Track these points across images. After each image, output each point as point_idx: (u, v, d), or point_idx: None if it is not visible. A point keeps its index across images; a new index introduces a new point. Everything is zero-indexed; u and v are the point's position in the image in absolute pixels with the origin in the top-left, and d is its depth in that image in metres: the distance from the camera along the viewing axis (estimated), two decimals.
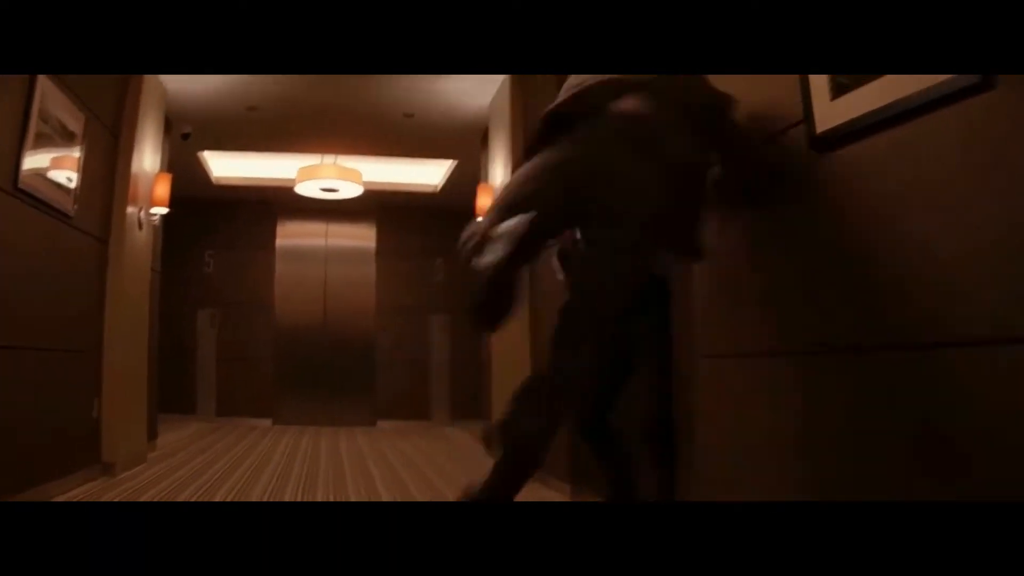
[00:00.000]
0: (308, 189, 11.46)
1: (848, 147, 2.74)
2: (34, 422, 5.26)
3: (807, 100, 2.96)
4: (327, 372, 13.75)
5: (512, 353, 7.41)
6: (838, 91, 2.92)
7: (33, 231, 5.30)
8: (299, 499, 5.81)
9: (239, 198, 13.13)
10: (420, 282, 14.10)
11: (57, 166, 5.59)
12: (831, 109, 2.86)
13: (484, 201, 8.84)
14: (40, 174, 5.31)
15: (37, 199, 5.30)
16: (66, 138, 5.69)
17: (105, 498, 5.57)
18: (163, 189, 8.04)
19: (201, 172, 11.56)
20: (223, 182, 12.24)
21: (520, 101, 7.91)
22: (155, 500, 5.59)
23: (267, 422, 12.97)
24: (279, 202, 13.34)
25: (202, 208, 12.25)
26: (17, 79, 5.02)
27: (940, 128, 2.33)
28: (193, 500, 5.66)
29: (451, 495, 5.72)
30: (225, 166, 11.74)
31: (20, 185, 4.97)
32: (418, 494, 6.06)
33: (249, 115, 9.24)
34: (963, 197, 2.19)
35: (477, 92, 8.65)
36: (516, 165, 7.66)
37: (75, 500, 5.51)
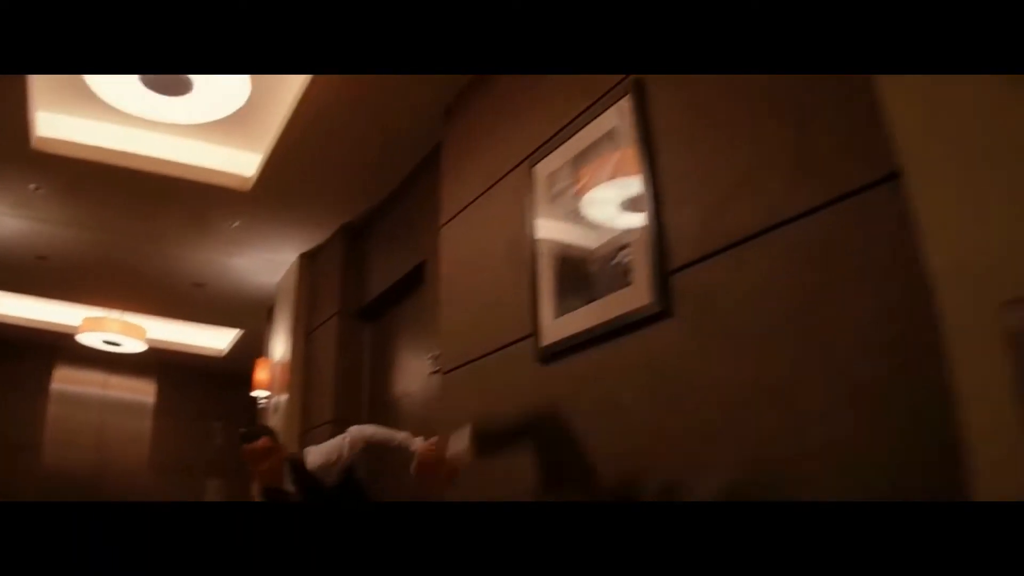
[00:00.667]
0: (91, 340, 11.41)
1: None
2: None
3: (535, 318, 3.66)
4: None
5: None
6: (560, 312, 3.58)
7: None
8: None
9: (16, 337, 12.84)
10: (198, 443, 13.95)
11: None
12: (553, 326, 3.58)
13: (262, 375, 9.09)
14: None
15: None
16: None
17: None
18: None
19: None
20: (3, 320, 11.99)
21: (307, 282, 8.26)
22: None
23: None
24: (59, 348, 13.11)
25: None
26: None
27: (627, 350, 3.20)
28: None
29: None
30: (5, 305, 11.55)
31: None
32: None
33: (38, 263, 9.14)
34: (639, 410, 3.14)
35: (266, 270, 8.90)
36: (296, 342, 8.00)
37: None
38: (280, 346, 8.58)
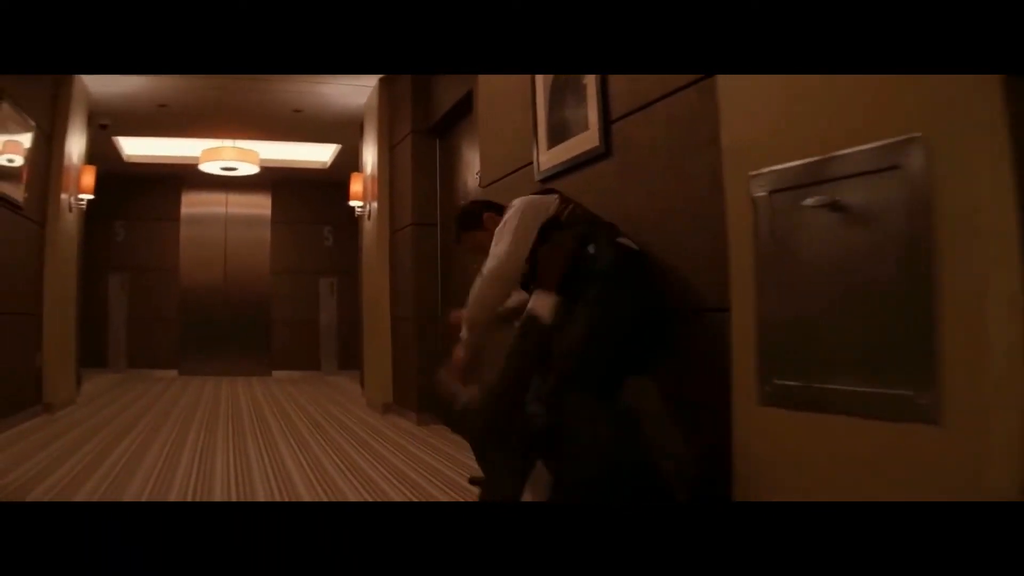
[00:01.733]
0: (210, 168, 12.71)
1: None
2: None
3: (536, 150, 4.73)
4: (227, 328, 15.04)
5: (377, 310, 9.12)
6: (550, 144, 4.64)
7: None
8: (201, 437, 7.00)
9: (147, 174, 14.24)
10: (310, 247, 15.47)
11: (10, 164, 7.04)
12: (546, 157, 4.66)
13: (356, 186, 10.38)
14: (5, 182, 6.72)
15: (5, 200, 6.83)
16: (15, 146, 7.14)
17: (43, 432, 6.94)
18: (88, 179, 9.49)
19: (113, 151, 12.60)
20: (133, 160, 13.34)
21: (386, 103, 9.36)
22: (83, 432, 7.02)
23: (173, 373, 14.34)
24: (184, 177, 14.48)
25: (113, 183, 12.68)
26: None
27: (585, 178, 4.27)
28: (111, 436, 7.09)
29: (333, 432, 7.34)
30: (135, 146, 12.85)
31: None
32: (305, 432, 7.54)
33: (160, 111, 10.53)
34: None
35: (353, 93, 9.99)
36: (381, 157, 9.24)
37: (17, 433, 6.83)
38: (369, 161, 9.80)
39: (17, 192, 7.14)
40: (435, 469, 5.52)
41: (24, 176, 7.35)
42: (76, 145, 9.03)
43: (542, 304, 3.35)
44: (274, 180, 14.95)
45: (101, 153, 11.39)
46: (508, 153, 5.37)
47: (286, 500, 4.42)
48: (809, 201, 2.51)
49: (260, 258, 15.49)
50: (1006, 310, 2.12)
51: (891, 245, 2.32)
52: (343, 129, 11.57)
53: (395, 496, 4.65)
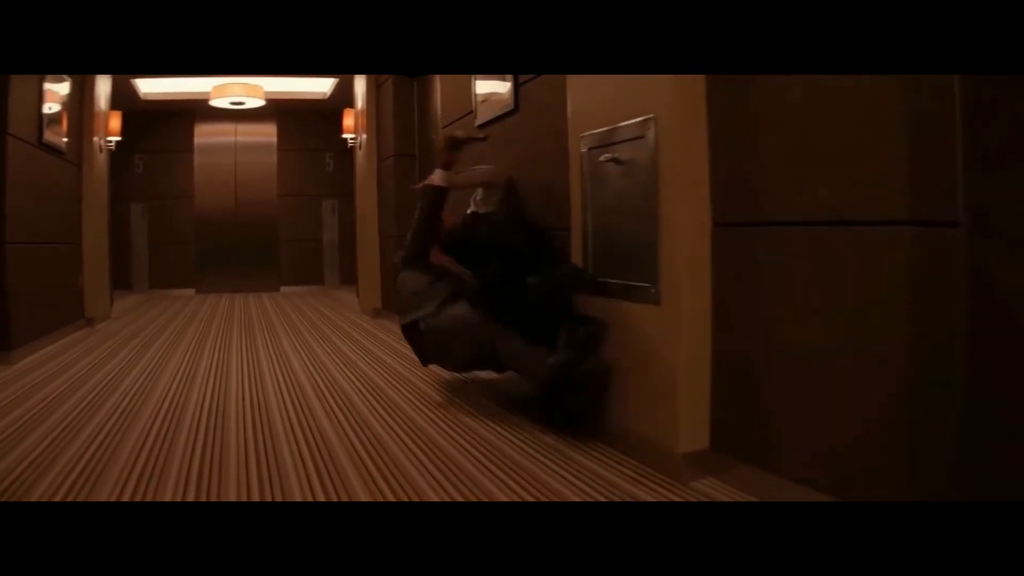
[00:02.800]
0: (220, 102, 13.98)
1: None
2: (46, 290, 8.06)
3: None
4: (239, 248, 16.35)
5: (367, 229, 10.54)
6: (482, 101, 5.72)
7: (45, 166, 8.04)
8: (219, 338, 8.53)
9: (162, 111, 15.35)
10: (313, 172, 16.67)
11: (52, 118, 8.20)
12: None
13: (348, 121, 11.82)
14: (46, 128, 7.95)
15: (51, 147, 8.10)
16: (54, 95, 8.36)
17: (88, 340, 8.32)
18: (115, 123, 10.87)
19: (131, 91, 13.69)
20: (149, 98, 14.48)
21: None
22: (122, 340, 8.44)
23: (191, 291, 15.77)
24: (195, 111, 15.65)
25: (131, 119, 13.23)
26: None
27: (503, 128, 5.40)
28: (145, 342, 8.56)
29: (328, 331, 8.75)
30: (150, 86, 13.94)
31: (44, 141, 7.78)
32: (305, 332, 8.98)
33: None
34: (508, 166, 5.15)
35: None
36: (369, 95, 10.37)
37: (70, 341, 8.18)
38: (359, 99, 11.05)
39: (59, 139, 8.42)
40: (402, 352, 6.83)
41: (63, 123, 8.61)
42: (103, 91, 10.27)
43: (436, 176, 4.97)
44: (279, 110, 15.98)
45: (120, 92, 12.27)
46: (459, 103, 6.49)
47: (289, 386, 5.64)
48: (602, 157, 3.81)
49: (268, 183, 16.62)
50: (694, 232, 3.39)
51: (639, 187, 3.58)
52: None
53: (371, 374, 6.00)
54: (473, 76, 6.11)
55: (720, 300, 3.38)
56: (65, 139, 8.68)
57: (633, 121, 3.59)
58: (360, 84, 11.03)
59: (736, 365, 3.29)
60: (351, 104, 11.95)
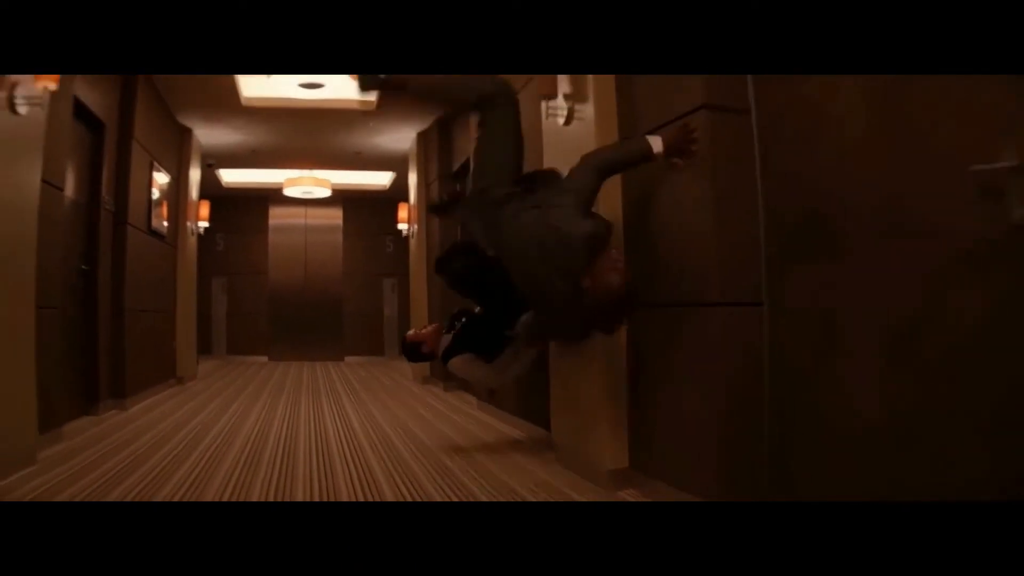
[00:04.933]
0: (292, 192, 15.71)
1: None
2: (150, 351, 9.64)
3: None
4: (307, 320, 17.97)
5: (418, 307, 12.02)
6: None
7: (151, 248, 9.72)
8: (289, 397, 9.99)
9: (241, 196, 17.11)
10: (375, 253, 18.31)
11: (158, 209, 9.90)
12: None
13: (402, 213, 13.55)
14: (154, 217, 9.66)
15: (156, 233, 9.80)
16: (157, 184, 10.02)
17: (181, 395, 9.88)
18: (204, 211, 12.67)
19: (215, 179, 15.45)
20: (230, 185, 16.25)
21: (422, 151, 12.17)
22: (208, 396, 10.00)
23: (264, 359, 17.41)
24: (271, 197, 17.40)
25: (214, 203, 14.44)
26: (144, 163, 9.07)
27: None
28: (228, 399, 10.21)
29: (382, 394, 10.31)
30: (232, 176, 15.80)
31: (152, 228, 9.49)
32: (362, 393, 10.58)
33: (251, 153, 13.46)
34: None
35: (400, 141, 12.74)
36: (419, 192, 11.79)
37: (165, 396, 9.69)
38: (411, 194, 12.69)
39: (161, 224, 10.10)
40: (442, 413, 8.33)
41: (164, 210, 10.29)
42: (194, 184, 12.05)
43: None
44: (344, 197, 17.62)
45: (206, 180, 13.81)
46: None
47: (348, 439, 6.67)
48: None
49: (334, 262, 18.34)
50: None
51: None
52: (394, 163, 14.31)
53: (412, 425, 7.40)
54: None
55: (635, 355, 4.75)
56: (165, 223, 10.38)
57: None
58: (412, 183, 12.63)
59: (640, 406, 4.68)
60: (406, 198, 13.45)
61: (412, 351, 6.21)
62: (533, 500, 4.37)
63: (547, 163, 5.32)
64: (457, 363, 5.90)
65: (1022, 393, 2.39)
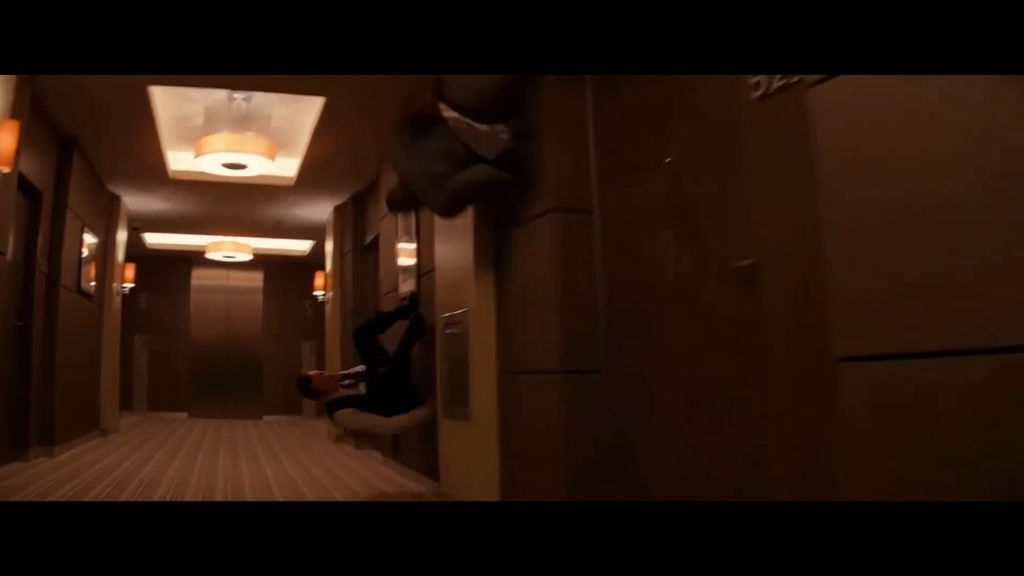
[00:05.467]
0: (214, 255, 16.54)
1: None
2: (76, 403, 10.26)
3: None
4: (228, 379, 18.47)
5: (333, 368, 12.52)
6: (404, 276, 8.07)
7: (80, 307, 10.40)
8: (206, 453, 10.55)
9: (165, 257, 17.70)
10: (294, 316, 19.04)
11: (86, 269, 10.57)
12: None
13: (319, 281, 14.35)
14: (83, 278, 10.35)
15: (84, 293, 10.50)
16: (88, 249, 10.74)
17: (104, 446, 10.47)
18: (130, 273, 13.52)
19: (139, 241, 15.86)
20: (154, 247, 16.85)
21: (338, 225, 12.95)
22: (131, 447, 10.61)
23: (184, 415, 17.84)
24: (193, 259, 18.02)
25: (139, 264, 15.18)
26: (76, 228, 9.75)
27: None
28: (148, 452, 10.80)
29: (299, 452, 10.92)
30: (156, 238, 16.33)
31: (81, 288, 10.19)
32: (278, 449, 11.28)
33: (178, 219, 14.13)
34: None
35: (318, 214, 13.46)
36: (335, 261, 12.51)
37: (87, 447, 10.20)
38: (328, 264, 13.50)
39: (89, 285, 10.80)
40: (352, 468, 9.09)
41: (92, 273, 10.97)
42: (121, 247, 12.76)
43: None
44: (265, 262, 18.32)
45: (131, 243, 14.36)
46: (391, 277, 8.81)
47: (262, 489, 7.10)
48: (448, 330, 6.21)
49: (254, 323, 19.04)
50: (488, 376, 5.63)
51: (462, 348, 5.98)
52: (313, 232, 14.99)
53: (317, 474, 8.13)
54: (398, 257, 8.38)
55: (502, 416, 5.64)
56: (93, 283, 11.07)
57: (461, 311, 5.97)
58: (328, 253, 13.47)
59: (509, 453, 5.56)
60: (323, 265, 14.18)
61: (303, 384, 7.22)
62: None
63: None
64: (341, 415, 6.92)
65: (775, 433, 3.22)
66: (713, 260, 3.73)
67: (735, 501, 3.31)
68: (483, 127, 5.20)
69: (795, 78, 3.09)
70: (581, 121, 5.02)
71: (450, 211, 5.52)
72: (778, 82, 3.22)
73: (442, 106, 5.26)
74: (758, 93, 3.37)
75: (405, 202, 6.28)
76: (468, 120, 5.19)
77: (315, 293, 14.88)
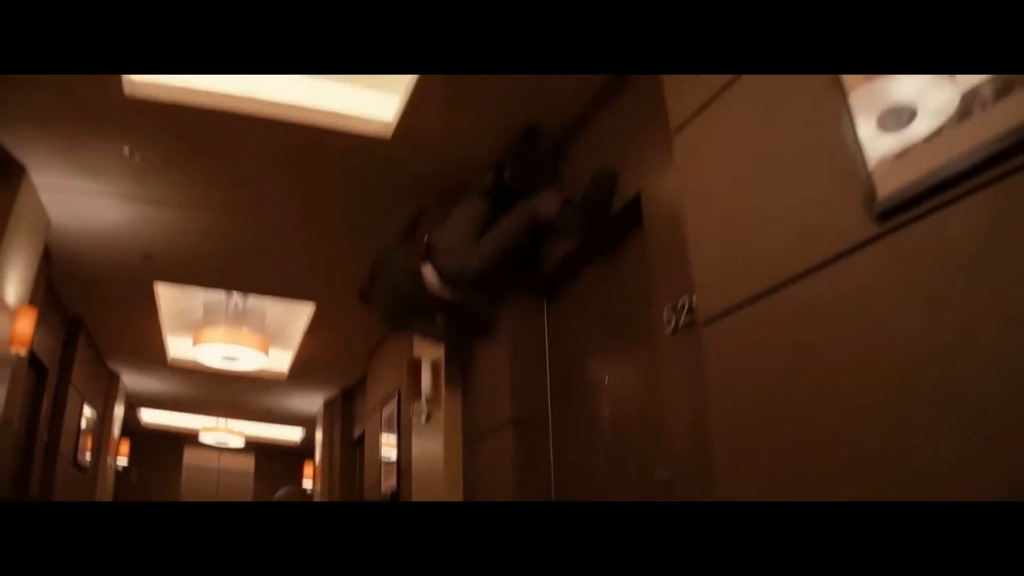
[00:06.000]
0: (207, 439, 17.12)
1: None
2: None
3: None
4: None
5: None
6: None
7: (75, 479, 10.87)
8: None
9: (159, 435, 18.10)
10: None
11: (83, 441, 11.14)
12: None
13: (308, 471, 15.06)
14: (80, 450, 10.91)
15: (79, 466, 11.04)
16: (83, 429, 11.30)
17: None
18: (125, 448, 14.09)
19: (135, 417, 16.28)
20: (149, 424, 17.31)
21: (327, 418, 13.51)
22: None
23: None
24: (186, 439, 18.44)
25: (132, 440, 15.69)
26: (76, 403, 10.32)
27: None
28: None
29: None
30: (151, 416, 16.76)
31: (77, 461, 10.76)
32: None
33: (172, 399, 14.74)
34: None
35: (309, 404, 14.01)
36: (323, 456, 13.03)
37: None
38: (317, 455, 14.09)
39: (85, 458, 11.35)
40: None
41: (88, 444, 11.52)
42: (117, 420, 13.30)
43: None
44: (257, 447, 18.78)
45: (126, 418, 14.58)
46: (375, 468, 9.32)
47: None
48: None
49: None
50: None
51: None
52: (304, 421, 15.55)
53: None
54: (381, 448, 8.95)
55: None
56: (88, 455, 11.60)
57: None
58: (319, 445, 13.98)
59: None
60: (313, 454, 14.78)
61: None
62: None
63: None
64: None
65: None
66: (642, 470, 4.22)
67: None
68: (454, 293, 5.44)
69: (695, 316, 3.52)
70: (540, 342, 5.78)
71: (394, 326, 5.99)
72: (685, 317, 3.69)
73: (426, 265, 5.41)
74: (669, 329, 3.81)
75: (367, 295, 6.15)
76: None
77: (304, 482, 15.41)
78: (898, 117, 2.33)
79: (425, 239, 5.36)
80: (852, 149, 2.46)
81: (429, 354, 6.88)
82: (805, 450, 2.56)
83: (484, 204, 5.29)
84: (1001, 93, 2.01)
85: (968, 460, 2.02)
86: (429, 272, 5.32)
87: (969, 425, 2.02)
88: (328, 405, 13.61)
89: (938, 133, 2.20)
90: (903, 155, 2.29)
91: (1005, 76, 1.99)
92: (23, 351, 6.36)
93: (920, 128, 2.25)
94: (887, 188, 2.32)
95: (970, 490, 1.99)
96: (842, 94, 2.51)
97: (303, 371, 11.77)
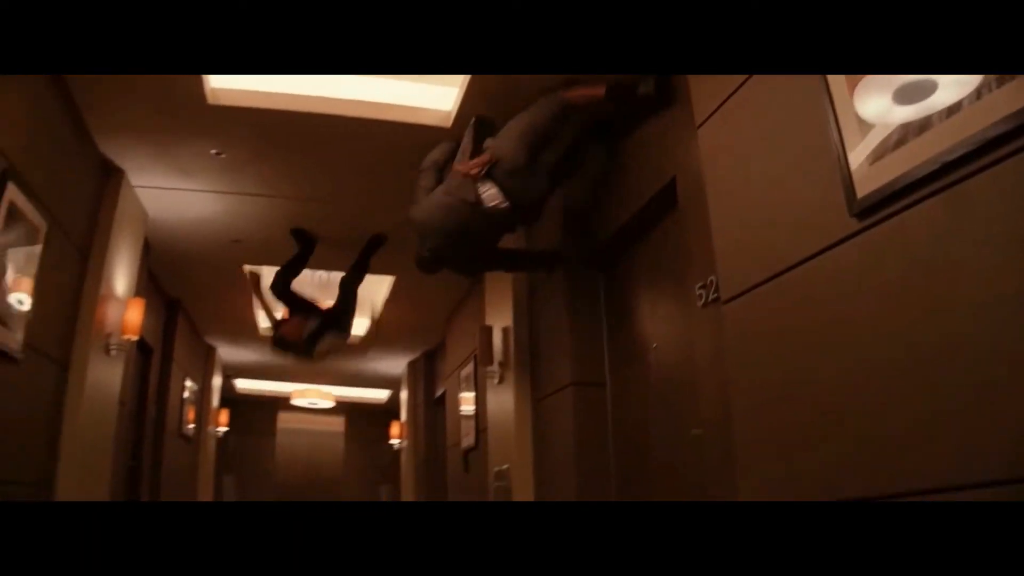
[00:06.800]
0: (299, 402, 17.75)
1: None
2: None
3: None
4: None
5: None
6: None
7: (181, 448, 11.51)
8: None
9: (253, 401, 18.64)
10: (373, 461, 19.48)
11: (186, 413, 11.77)
12: None
13: (394, 430, 15.29)
14: (183, 422, 11.53)
15: (184, 436, 11.67)
16: (186, 400, 12.05)
17: None
18: (224, 417, 14.54)
19: (230, 385, 16.70)
20: (243, 391, 17.95)
21: (411, 378, 14.03)
22: None
23: None
24: (279, 404, 19.01)
25: (228, 406, 15.78)
26: (179, 379, 10.86)
27: None
28: None
29: None
30: (245, 384, 17.35)
31: (182, 431, 11.42)
32: None
33: (264, 368, 15.16)
34: None
35: (394, 367, 14.47)
36: (409, 414, 13.56)
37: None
38: (403, 413, 14.63)
39: (188, 429, 11.92)
40: None
41: (191, 416, 12.13)
42: (215, 391, 13.96)
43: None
44: (347, 408, 19.29)
45: (223, 387, 15.33)
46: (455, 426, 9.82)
47: None
48: (495, 485, 7.32)
49: (335, 466, 19.61)
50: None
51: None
52: (390, 383, 16.08)
53: None
54: (461, 406, 9.38)
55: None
56: (191, 426, 12.21)
57: (505, 467, 6.87)
58: (403, 405, 14.58)
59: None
60: (399, 415, 15.27)
61: (280, 342, 8.27)
62: None
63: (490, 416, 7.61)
64: (324, 345, 7.97)
65: None
66: (682, 428, 4.55)
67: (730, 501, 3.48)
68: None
69: (719, 294, 3.77)
70: (596, 312, 6.19)
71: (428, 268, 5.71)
72: (712, 294, 3.99)
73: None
74: (701, 303, 4.15)
75: (428, 262, 5.71)
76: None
77: (391, 441, 15.79)
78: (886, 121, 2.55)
79: (487, 156, 4.99)
80: (838, 153, 2.76)
81: (500, 322, 7.31)
82: (808, 408, 2.96)
83: (552, 120, 5.05)
84: (952, 111, 2.23)
85: (923, 424, 2.33)
86: (491, 192, 5.02)
87: (925, 395, 2.35)
88: (411, 366, 14.07)
89: (903, 141, 2.45)
90: (876, 160, 2.57)
91: (957, 92, 2.20)
92: (134, 337, 6.97)
93: (891, 137, 2.50)
94: (864, 189, 2.63)
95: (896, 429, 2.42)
96: (829, 99, 2.78)
97: (385, 337, 12.30)
